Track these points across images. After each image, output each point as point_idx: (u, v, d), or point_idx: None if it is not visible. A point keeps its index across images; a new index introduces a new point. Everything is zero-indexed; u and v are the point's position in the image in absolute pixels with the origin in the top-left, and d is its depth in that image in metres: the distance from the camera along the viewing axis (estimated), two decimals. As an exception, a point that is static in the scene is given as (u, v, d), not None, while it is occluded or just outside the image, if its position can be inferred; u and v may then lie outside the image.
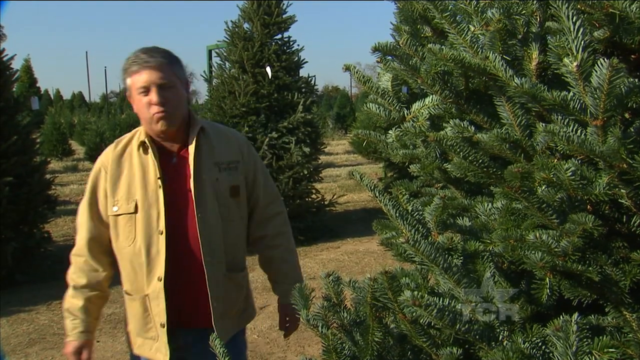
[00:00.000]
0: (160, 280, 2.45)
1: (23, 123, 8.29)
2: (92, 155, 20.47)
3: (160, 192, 2.46)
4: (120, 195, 2.49)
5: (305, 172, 9.66)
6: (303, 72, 12.81)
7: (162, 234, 2.45)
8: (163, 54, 2.45)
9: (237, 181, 2.63)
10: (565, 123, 1.38)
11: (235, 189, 2.61)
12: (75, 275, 2.58)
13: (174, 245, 2.46)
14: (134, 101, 2.47)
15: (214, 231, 2.52)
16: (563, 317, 1.16)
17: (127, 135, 2.61)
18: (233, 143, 2.68)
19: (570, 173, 1.30)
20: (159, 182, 2.47)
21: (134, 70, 2.40)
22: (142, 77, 2.38)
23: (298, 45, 10.15)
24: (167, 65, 2.42)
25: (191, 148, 2.51)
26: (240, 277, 2.68)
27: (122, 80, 2.51)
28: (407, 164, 2.02)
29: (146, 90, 2.39)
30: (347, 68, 1.94)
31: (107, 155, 2.57)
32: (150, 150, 2.49)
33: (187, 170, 2.51)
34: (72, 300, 2.56)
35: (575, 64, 1.30)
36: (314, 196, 10.15)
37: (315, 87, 10.47)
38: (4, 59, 8.18)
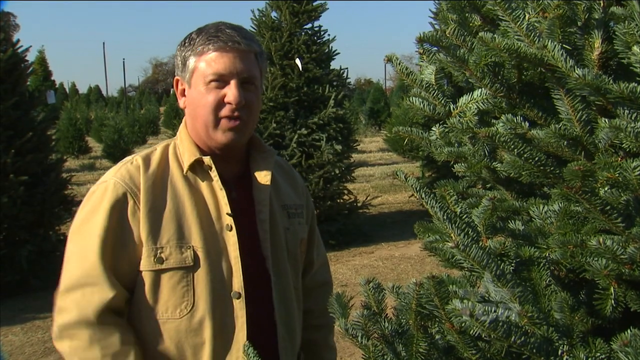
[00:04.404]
0: None
1: (38, 119, 8.40)
2: (110, 152, 20.74)
3: (232, 236, 1.83)
4: (167, 240, 1.78)
5: (337, 172, 9.67)
6: (334, 64, 12.84)
7: (239, 298, 1.82)
8: (254, 39, 1.87)
9: (306, 233, 2.09)
10: (632, 118, 1.36)
11: (304, 244, 2.09)
12: (92, 350, 1.72)
13: (253, 316, 1.85)
14: (191, 91, 1.85)
15: (290, 303, 1.96)
16: (631, 330, 1.14)
17: (156, 152, 1.91)
18: (297, 181, 2.14)
19: (639, 172, 1.28)
20: (230, 220, 1.84)
21: (212, 49, 1.78)
22: (224, 62, 1.78)
23: (329, 35, 10.18)
24: (258, 55, 1.87)
25: (264, 180, 1.93)
26: None
27: (178, 60, 1.88)
28: (452, 163, 2.00)
29: (222, 81, 1.79)
30: (389, 59, 1.93)
31: (134, 177, 1.83)
32: (213, 174, 1.86)
33: (252, 210, 1.92)
34: None
35: (645, 52, 1.28)
36: (346, 197, 10.18)
37: (348, 80, 10.48)
38: (19, 50, 8.30)
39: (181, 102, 1.91)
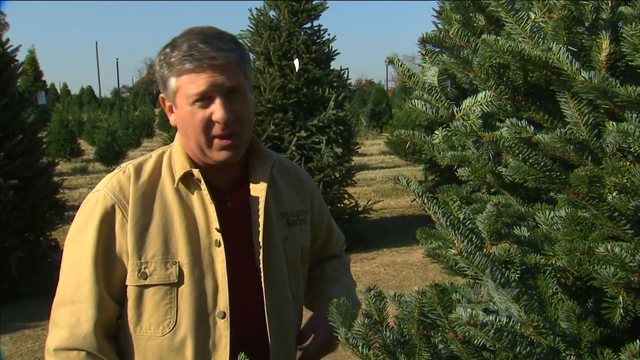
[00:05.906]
0: None
1: (29, 121, 8.39)
2: (103, 155, 20.71)
3: (220, 252, 1.81)
4: (152, 255, 1.78)
5: (337, 175, 9.66)
6: (335, 65, 12.84)
7: (223, 318, 1.80)
8: (231, 44, 1.79)
9: (308, 241, 2.07)
10: (640, 122, 1.37)
11: (306, 253, 2.05)
12: None
13: (238, 337, 1.83)
14: (178, 111, 1.81)
15: (286, 317, 1.94)
16: (640, 340, 1.15)
17: (150, 160, 1.89)
18: (303, 183, 2.12)
19: (648, 178, 1.28)
20: (218, 236, 1.82)
21: (188, 69, 1.73)
22: (202, 80, 1.73)
23: (329, 34, 10.19)
24: (238, 61, 1.79)
25: (260, 188, 1.90)
26: None
27: (158, 77, 1.84)
28: (455, 167, 2.01)
29: (205, 99, 1.75)
30: (390, 61, 1.93)
31: (124, 188, 1.82)
32: (202, 187, 1.83)
33: (247, 221, 1.89)
34: None
35: (653, 55, 1.29)
36: (346, 202, 10.17)
37: (348, 81, 10.48)
38: (8, 50, 8.29)
39: (171, 119, 1.89)
